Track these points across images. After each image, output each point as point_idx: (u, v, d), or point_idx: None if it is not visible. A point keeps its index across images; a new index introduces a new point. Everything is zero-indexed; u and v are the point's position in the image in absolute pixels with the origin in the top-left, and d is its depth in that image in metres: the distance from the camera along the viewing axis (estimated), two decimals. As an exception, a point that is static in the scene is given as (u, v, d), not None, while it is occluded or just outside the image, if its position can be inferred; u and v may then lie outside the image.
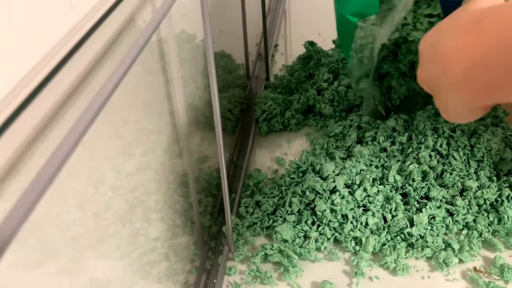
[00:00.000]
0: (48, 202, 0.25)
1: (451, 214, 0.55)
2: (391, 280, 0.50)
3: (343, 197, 0.55)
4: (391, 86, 0.66)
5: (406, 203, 0.56)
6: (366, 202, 0.55)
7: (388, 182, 0.56)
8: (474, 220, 0.54)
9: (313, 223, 0.55)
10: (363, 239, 0.53)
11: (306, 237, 0.54)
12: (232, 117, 0.68)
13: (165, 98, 0.42)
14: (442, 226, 0.54)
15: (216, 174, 0.58)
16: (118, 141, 0.34)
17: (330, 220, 0.54)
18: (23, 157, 0.23)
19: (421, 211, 0.54)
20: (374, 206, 0.55)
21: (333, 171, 0.57)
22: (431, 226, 0.54)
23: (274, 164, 0.66)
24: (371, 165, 0.59)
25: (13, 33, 0.23)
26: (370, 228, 0.54)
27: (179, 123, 0.46)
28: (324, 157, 0.61)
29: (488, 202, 0.55)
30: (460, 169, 0.56)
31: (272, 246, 0.53)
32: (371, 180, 0.56)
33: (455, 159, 0.57)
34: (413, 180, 0.56)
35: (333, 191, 0.55)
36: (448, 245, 0.52)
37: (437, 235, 0.53)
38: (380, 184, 0.57)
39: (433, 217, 0.54)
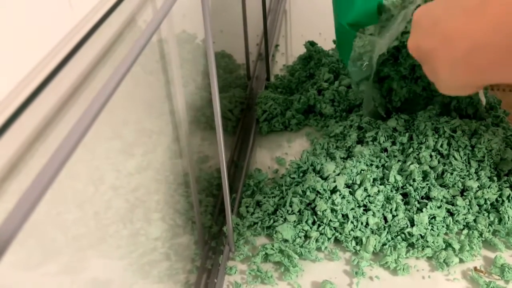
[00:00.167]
0: (49, 202, 0.25)
1: (451, 214, 0.55)
2: (391, 280, 0.50)
3: (343, 197, 0.55)
4: (391, 89, 0.66)
5: (406, 203, 0.56)
6: (366, 202, 0.55)
7: (389, 182, 0.56)
8: (475, 220, 0.54)
9: (313, 223, 0.55)
10: (364, 239, 0.53)
11: (306, 237, 0.54)
12: (232, 117, 0.68)
13: (165, 98, 0.42)
14: (443, 226, 0.54)
15: (217, 174, 0.59)
16: (118, 141, 0.34)
17: (330, 220, 0.54)
18: (23, 157, 0.23)
19: (422, 211, 0.54)
20: (375, 206, 0.55)
21: (334, 171, 0.57)
22: (432, 226, 0.54)
23: (274, 164, 0.66)
24: (371, 165, 0.58)
25: (13, 34, 0.23)
26: (371, 228, 0.54)
27: (180, 123, 0.46)
28: (324, 157, 0.61)
29: (488, 202, 0.55)
30: (461, 169, 0.56)
31: (273, 246, 0.53)
32: (371, 180, 0.56)
33: (455, 159, 0.57)
34: (414, 180, 0.56)
35: (334, 191, 0.55)
36: (448, 245, 0.52)
37: (438, 235, 0.53)
38: (380, 184, 0.57)
39: (434, 217, 0.54)
